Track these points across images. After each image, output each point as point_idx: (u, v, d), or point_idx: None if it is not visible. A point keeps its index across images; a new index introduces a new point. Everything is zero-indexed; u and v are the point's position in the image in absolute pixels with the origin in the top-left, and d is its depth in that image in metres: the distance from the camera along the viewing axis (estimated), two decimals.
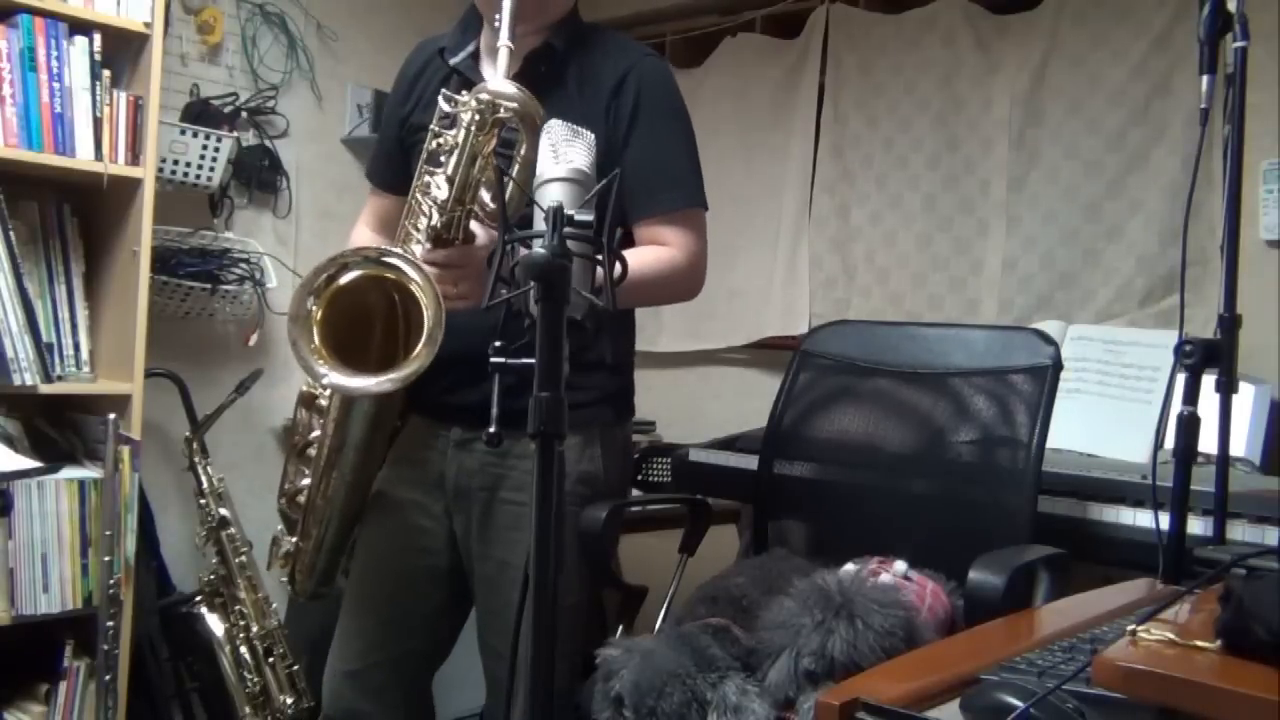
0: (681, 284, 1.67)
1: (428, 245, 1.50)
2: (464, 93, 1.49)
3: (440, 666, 1.81)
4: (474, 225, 1.50)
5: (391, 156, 1.81)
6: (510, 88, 1.44)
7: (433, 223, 1.49)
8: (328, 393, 1.65)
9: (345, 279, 1.45)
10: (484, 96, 1.44)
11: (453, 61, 1.68)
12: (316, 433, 1.67)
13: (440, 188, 1.48)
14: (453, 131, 1.48)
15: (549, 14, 1.65)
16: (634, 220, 1.63)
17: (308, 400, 1.71)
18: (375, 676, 1.72)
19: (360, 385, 1.43)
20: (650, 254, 1.60)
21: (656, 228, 1.63)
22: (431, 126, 1.53)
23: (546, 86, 1.60)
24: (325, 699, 1.77)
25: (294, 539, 1.74)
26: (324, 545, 1.72)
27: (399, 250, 1.48)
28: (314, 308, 1.44)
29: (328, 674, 1.77)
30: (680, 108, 1.69)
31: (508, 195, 1.46)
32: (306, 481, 1.69)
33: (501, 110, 1.44)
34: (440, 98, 1.52)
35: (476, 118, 1.45)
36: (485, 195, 1.49)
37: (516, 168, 1.47)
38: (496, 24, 1.48)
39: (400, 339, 1.48)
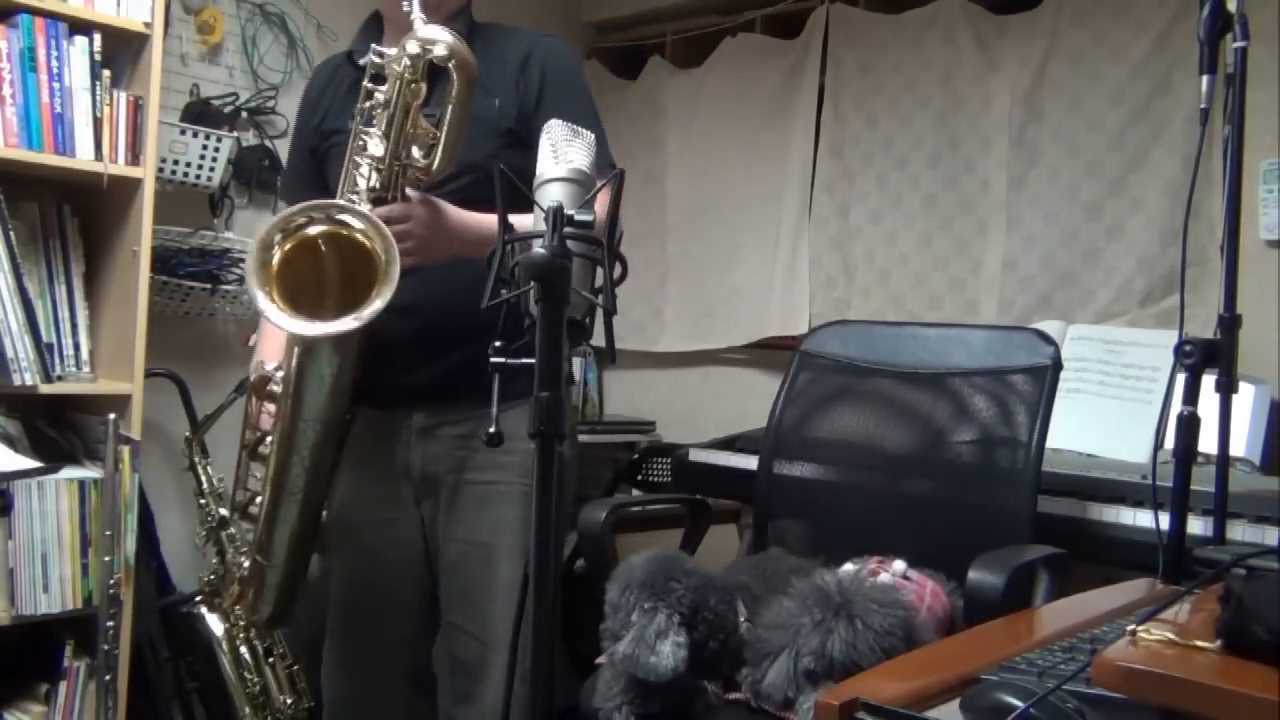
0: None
1: (368, 206, 1.51)
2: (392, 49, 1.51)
3: (434, 639, 1.82)
4: (407, 189, 1.52)
5: (303, 173, 1.85)
6: (438, 31, 1.47)
7: (371, 183, 1.51)
8: (279, 375, 1.62)
9: (297, 238, 1.47)
10: (412, 43, 1.47)
11: (362, 61, 1.69)
12: (269, 423, 1.64)
13: (376, 145, 1.50)
14: (384, 87, 1.50)
15: (448, 6, 1.72)
16: None
17: (259, 388, 1.66)
18: (374, 665, 1.74)
19: (324, 329, 1.43)
20: None
21: None
22: (365, 83, 1.56)
23: None
24: (326, 696, 1.78)
25: (245, 560, 1.70)
26: (283, 555, 1.62)
27: (343, 203, 1.50)
28: (276, 248, 1.45)
29: (326, 672, 1.78)
30: (583, 79, 1.80)
31: (441, 149, 1.49)
32: (259, 488, 1.65)
33: (432, 53, 1.46)
34: (371, 53, 1.54)
35: (407, 63, 1.47)
36: (416, 152, 1.51)
37: (450, 111, 1.48)
38: (406, 7, 1.51)
39: (356, 294, 1.47)
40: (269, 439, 1.62)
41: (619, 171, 1.14)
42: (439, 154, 1.50)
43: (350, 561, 1.78)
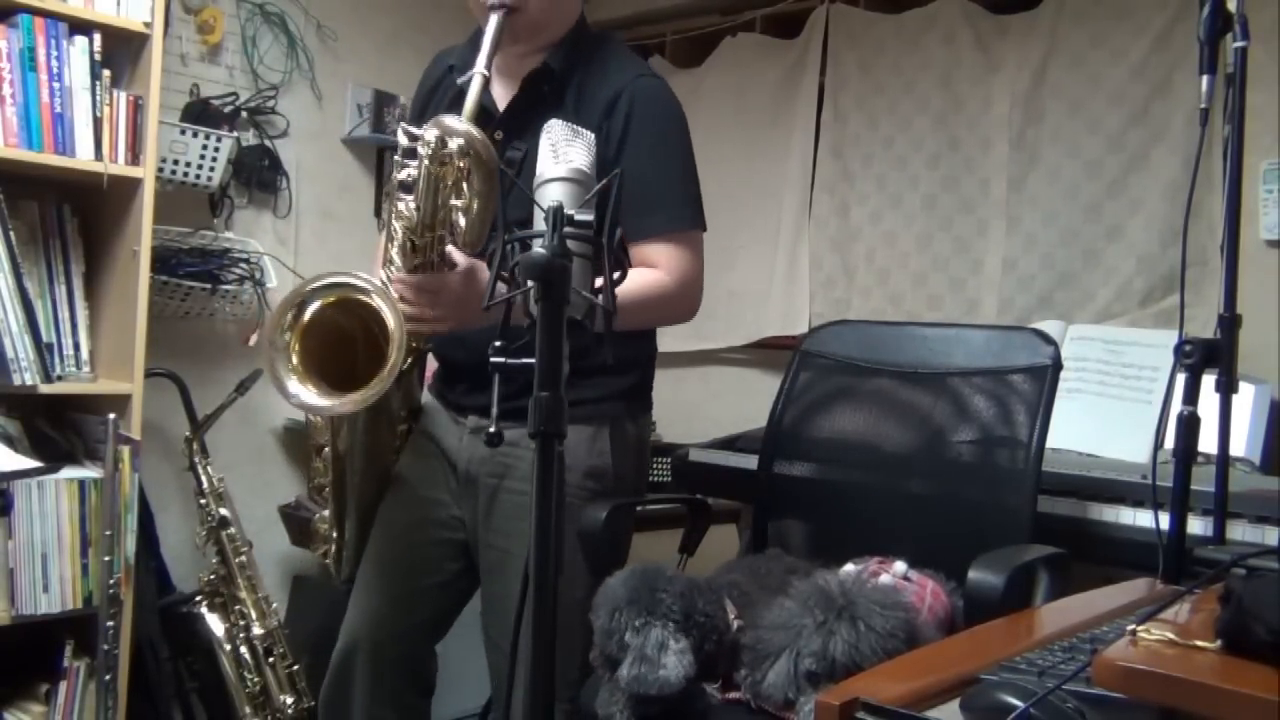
0: (671, 307, 1.67)
1: (404, 269, 1.53)
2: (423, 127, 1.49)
3: (443, 638, 1.84)
4: (454, 252, 1.51)
5: None
6: (458, 124, 1.44)
7: (409, 248, 1.52)
8: None
9: (321, 302, 1.52)
10: (434, 132, 1.44)
11: (460, 81, 1.68)
12: (328, 435, 1.72)
13: (411, 215, 1.50)
14: (414, 162, 1.49)
15: (546, 35, 1.66)
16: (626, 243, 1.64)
17: None
18: (385, 648, 1.74)
19: (324, 405, 1.51)
20: (636, 276, 1.57)
21: (644, 250, 1.61)
22: (395, 157, 1.54)
23: (546, 107, 1.63)
24: (334, 669, 1.77)
25: (326, 525, 1.80)
26: (353, 537, 1.79)
27: (366, 277, 1.52)
28: (289, 334, 1.50)
29: (343, 646, 1.78)
30: (673, 128, 1.67)
31: (463, 221, 1.49)
32: (325, 479, 1.77)
33: (449, 144, 1.44)
34: (400, 131, 1.52)
35: (430, 150, 1.45)
36: (462, 221, 1.49)
37: (476, 204, 1.47)
38: (481, 68, 1.50)
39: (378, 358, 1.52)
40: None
41: (618, 172, 1.13)
42: (463, 238, 1.50)
43: (387, 539, 1.78)
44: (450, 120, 1.45)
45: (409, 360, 1.66)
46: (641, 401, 1.79)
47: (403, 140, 1.52)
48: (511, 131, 1.67)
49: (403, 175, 1.52)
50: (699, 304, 1.70)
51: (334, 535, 1.81)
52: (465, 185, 1.47)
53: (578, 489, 1.65)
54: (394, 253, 1.56)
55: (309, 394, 1.50)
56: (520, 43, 1.63)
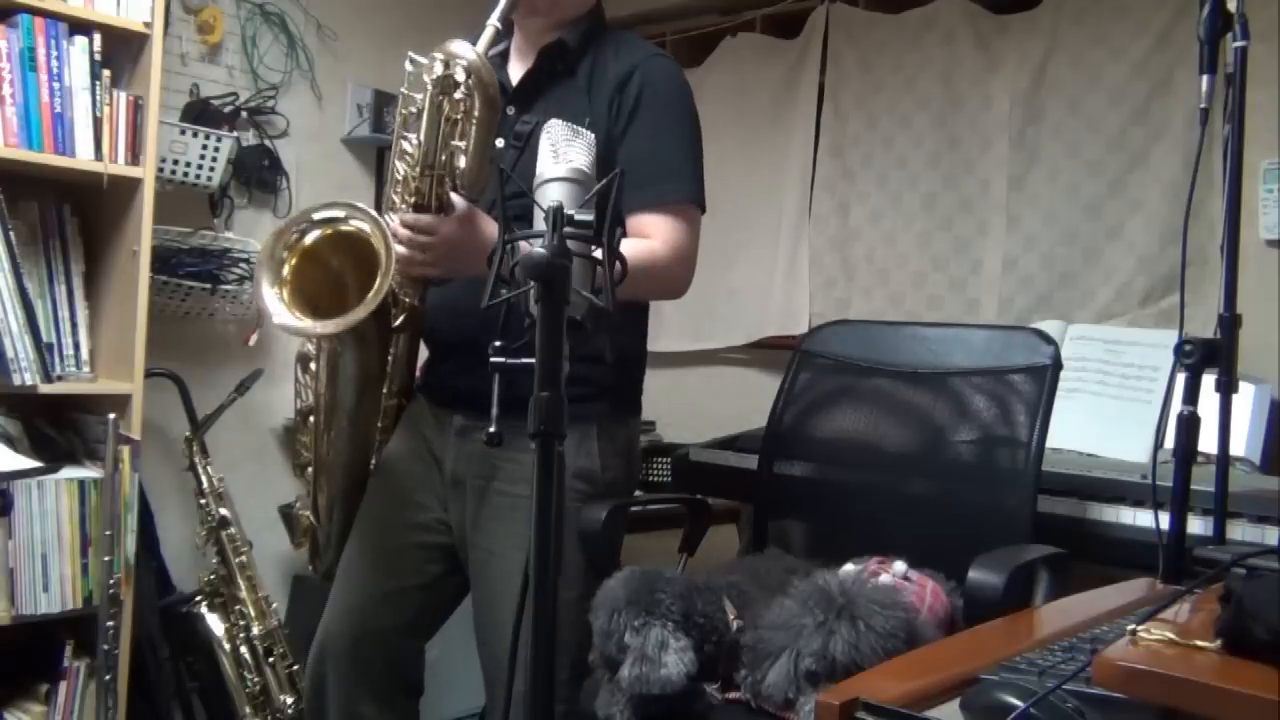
0: (662, 277, 1.63)
1: (406, 209, 1.52)
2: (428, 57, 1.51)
3: (431, 638, 1.82)
4: (453, 195, 1.51)
5: None
6: (465, 49, 1.46)
7: (410, 188, 1.51)
8: (315, 352, 1.70)
9: (320, 233, 1.54)
10: (439, 56, 1.46)
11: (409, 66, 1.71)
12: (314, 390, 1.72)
13: (413, 152, 1.51)
14: (419, 95, 1.49)
15: (562, 11, 1.68)
16: (624, 213, 1.63)
17: (304, 362, 1.74)
18: (361, 645, 1.73)
19: (305, 328, 1.53)
20: (628, 245, 1.56)
21: (642, 219, 1.61)
22: (401, 90, 1.55)
23: (558, 81, 1.67)
24: (310, 663, 1.76)
25: (308, 514, 1.79)
26: (332, 518, 1.76)
27: (367, 209, 1.53)
28: (286, 252, 1.52)
29: (316, 639, 1.76)
30: (683, 106, 1.69)
31: (463, 162, 1.50)
32: (310, 453, 1.75)
33: (454, 67, 1.45)
34: (406, 60, 1.53)
35: (436, 76, 1.45)
36: (461, 162, 1.50)
37: (474, 130, 1.48)
38: (493, 21, 1.50)
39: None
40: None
41: (618, 171, 1.13)
42: (464, 172, 1.50)
43: (369, 536, 1.76)
44: (455, 45, 1.46)
45: (403, 318, 1.65)
46: (630, 403, 1.78)
47: (408, 68, 1.52)
48: (522, 106, 1.68)
49: (406, 111, 1.53)
50: (690, 280, 1.68)
51: (311, 520, 1.79)
52: (467, 124, 1.49)
53: (568, 490, 1.63)
54: (395, 195, 1.56)
55: (283, 311, 1.51)
56: (538, 16, 1.65)
